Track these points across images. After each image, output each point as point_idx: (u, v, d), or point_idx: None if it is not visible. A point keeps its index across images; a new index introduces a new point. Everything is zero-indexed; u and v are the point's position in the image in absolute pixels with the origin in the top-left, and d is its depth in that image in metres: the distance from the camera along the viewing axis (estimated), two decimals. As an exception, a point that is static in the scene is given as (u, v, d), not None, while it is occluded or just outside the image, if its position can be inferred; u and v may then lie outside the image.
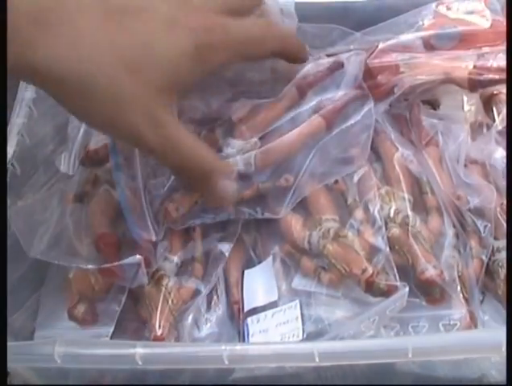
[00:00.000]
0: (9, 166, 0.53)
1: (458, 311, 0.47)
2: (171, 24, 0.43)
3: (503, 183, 0.50)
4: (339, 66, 0.56)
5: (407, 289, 0.46)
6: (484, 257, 0.49)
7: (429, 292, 0.48)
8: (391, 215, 0.50)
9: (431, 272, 0.47)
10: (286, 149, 0.53)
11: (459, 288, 0.48)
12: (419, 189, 0.52)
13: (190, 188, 0.50)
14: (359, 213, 0.51)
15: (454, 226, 0.51)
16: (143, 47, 0.41)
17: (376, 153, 0.55)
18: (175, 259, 0.52)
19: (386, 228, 0.50)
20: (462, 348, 0.39)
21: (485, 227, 0.49)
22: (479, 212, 0.50)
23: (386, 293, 0.46)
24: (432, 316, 0.48)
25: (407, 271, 0.49)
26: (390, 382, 0.45)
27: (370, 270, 0.47)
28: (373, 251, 0.49)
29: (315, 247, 0.50)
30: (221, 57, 0.45)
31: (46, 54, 0.40)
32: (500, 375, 0.45)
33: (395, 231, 0.49)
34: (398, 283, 0.47)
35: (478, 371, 0.45)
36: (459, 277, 0.48)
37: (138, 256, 0.49)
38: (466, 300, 0.48)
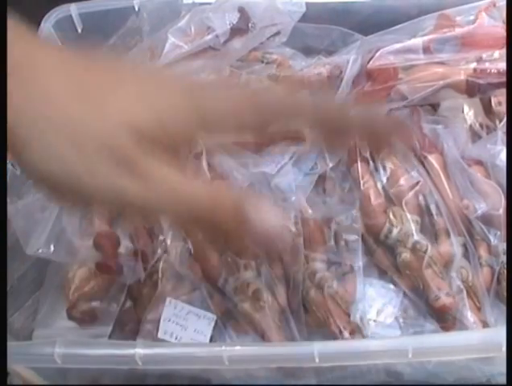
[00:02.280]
0: (9, 165, 0.53)
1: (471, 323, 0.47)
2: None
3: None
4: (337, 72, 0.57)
5: None
6: (495, 265, 0.49)
7: (443, 319, 0.48)
8: (400, 238, 0.50)
9: (444, 300, 0.47)
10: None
11: (469, 303, 0.47)
12: (426, 210, 0.52)
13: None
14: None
15: (464, 235, 0.50)
16: None
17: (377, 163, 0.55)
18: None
19: (396, 252, 0.50)
20: (462, 348, 0.39)
21: (495, 235, 0.49)
22: (487, 220, 0.50)
23: None
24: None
25: (419, 293, 0.49)
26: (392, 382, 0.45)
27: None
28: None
29: None
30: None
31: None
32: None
33: (406, 256, 0.49)
34: None
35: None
36: (470, 286, 0.48)
37: (133, 249, 0.50)
38: (478, 309, 0.48)
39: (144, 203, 0.33)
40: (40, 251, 0.51)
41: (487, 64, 0.53)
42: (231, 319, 0.49)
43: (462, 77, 0.53)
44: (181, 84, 0.35)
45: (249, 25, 0.57)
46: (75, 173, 0.32)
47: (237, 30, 0.57)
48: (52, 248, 0.52)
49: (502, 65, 0.51)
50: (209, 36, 0.57)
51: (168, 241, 0.52)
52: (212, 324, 0.49)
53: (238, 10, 0.58)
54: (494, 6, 0.56)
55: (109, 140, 0.32)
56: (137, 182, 0.33)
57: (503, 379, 0.40)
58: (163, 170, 0.33)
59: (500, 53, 0.52)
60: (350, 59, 0.57)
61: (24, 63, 0.33)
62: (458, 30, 0.55)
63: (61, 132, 0.32)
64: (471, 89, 0.53)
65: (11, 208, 0.51)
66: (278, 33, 0.58)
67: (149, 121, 0.33)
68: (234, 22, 0.57)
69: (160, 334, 0.48)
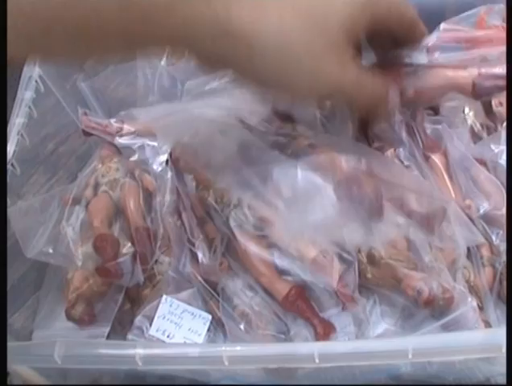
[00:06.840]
0: (9, 166, 0.53)
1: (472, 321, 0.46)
2: None
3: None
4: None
5: None
6: (497, 265, 0.48)
7: (437, 310, 0.46)
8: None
9: (425, 292, 0.45)
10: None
11: (472, 300, 0.46)
12: None
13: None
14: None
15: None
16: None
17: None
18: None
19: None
20: (462, 348, 0.38)
21: (497, 234, 0.49)
22: (490, 220, 0.49)
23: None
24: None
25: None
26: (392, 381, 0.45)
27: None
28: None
29: None
30: (381, 12, 0.44)
31: (239, 14, 0.38)
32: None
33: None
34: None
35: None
36: (472, 286, 0.48)
37: (133, 251, 0.50)
38: (480, 309, 0.47)
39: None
40: (39, 254, 0.51)
41: (492, 66, 0.52)
42: (228, 321, 0.49)
43: (467, 79, 0.53)
44: None
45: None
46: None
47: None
48: (51, 250, 0.52)
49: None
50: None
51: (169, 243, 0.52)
52: (208, 324, 0.49)
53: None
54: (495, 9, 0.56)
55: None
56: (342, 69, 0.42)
57: (503, 379, 0.40)
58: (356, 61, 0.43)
59: (504, 54, 0.52)
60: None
61: None
62: (461, 33, 0.54)
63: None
64: (477, 92, 0.53)
65: (11, 209, 0.51)
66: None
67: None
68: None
69: (152, 331, 0.48)
